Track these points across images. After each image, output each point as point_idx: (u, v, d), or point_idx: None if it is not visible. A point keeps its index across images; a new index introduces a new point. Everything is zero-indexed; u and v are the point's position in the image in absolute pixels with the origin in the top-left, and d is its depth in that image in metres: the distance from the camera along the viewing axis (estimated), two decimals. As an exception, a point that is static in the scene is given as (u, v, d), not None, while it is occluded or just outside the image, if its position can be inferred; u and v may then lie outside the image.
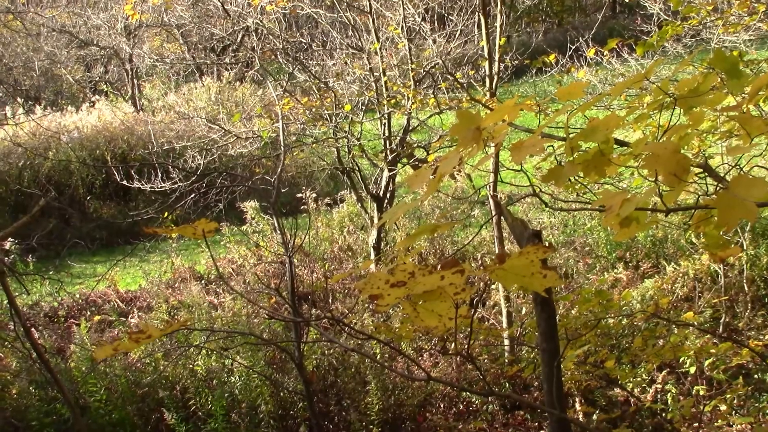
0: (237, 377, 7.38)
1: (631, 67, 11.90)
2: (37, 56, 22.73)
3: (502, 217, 7.73)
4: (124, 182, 10.57)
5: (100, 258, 13.42)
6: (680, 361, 6.78)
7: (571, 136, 2.48)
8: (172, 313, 9.42)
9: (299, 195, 12.33)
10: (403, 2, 9.39)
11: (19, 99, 20.91)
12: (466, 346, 2.47)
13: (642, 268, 9.74)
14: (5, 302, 8.42)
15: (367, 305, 8.64)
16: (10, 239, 10.19)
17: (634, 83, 2.66)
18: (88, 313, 9.97)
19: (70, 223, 14.77)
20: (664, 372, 7.02)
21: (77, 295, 10.52)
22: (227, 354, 7.48)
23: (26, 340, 5.17)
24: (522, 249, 1.96)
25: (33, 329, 8.44)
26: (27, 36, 22.19)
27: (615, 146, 2.60)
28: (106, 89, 22.69)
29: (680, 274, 8.79)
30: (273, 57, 13.43)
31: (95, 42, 22.34)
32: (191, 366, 7.70)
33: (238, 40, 20.89)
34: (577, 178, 2.74)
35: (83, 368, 7.68)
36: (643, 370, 6.84)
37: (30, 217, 5.10)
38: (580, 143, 2.47)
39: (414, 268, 1.83)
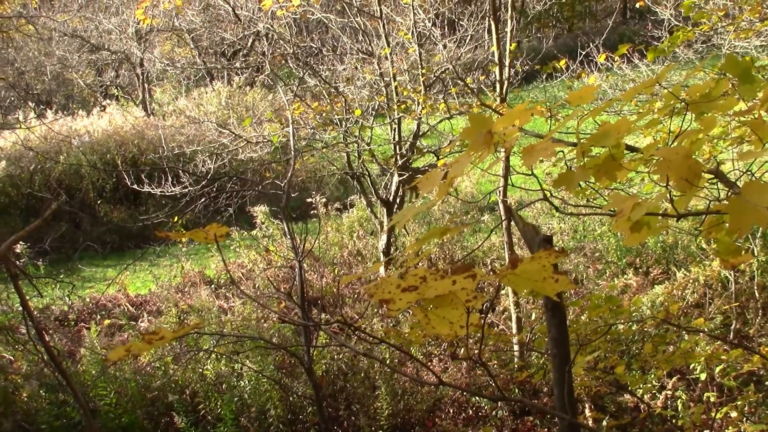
0: (246, 381, 7.39)
1: (641, 72, 11.87)
2: (49, 60, 22.85)
3: (512, 222, 7.73)
4: (135, 186, 10.60)
5: (110, 262, 13.45)
6: (691, 367, 6.75)
7: (581, 140, 2.48)
8: (181, 318, 9.44)
9: (309, 200, 12.33)
10: (413, 7, 9.40)
11: (30, 103, 21.01)
12: (476, 352, 2.47)
13: (652, 274, 9.72)
14: (17, 305, 8.45)
15: (376, 310, 8.65)
16: (21, 242, 10.22)
17: (646, 88, 2.67)
18: (98, 316, 9.99)
19: (81, 227, 14.82)
20: (674, 378, 6.99)
21: (87, 299, 10.56)
22: (237, 358, 7.49)
23: (38, 343, 5.19)
24: (533, 254, 1.96)
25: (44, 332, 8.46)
26: (39, 40, 22.30)
27: (625, 151, 2.60)
28: (116, 93, 22.77)
29: (690, 280, 8.76)
30: (283, 62, 13.44)
31: (106, 46, 22.44)
32: (201, 370, 7.72)
33: (249, 44, 20.92)
34: (588, 183, 2.74)
35: (93, 372, 7.70)
36: (653, 376, 6.82)
37: (42, 220, 5.11)
38: (591, 148, 2.47)
39: (426, 273, 1.83)
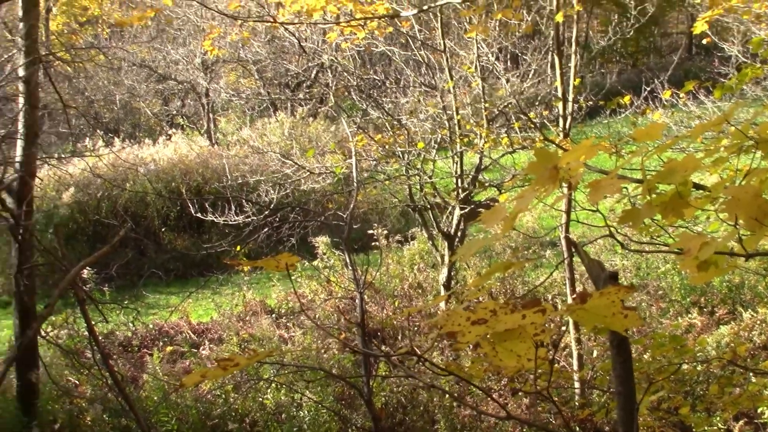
0: (306, 412, 7.41)
1: (707, 109, 11.72)
2: (118, 90, 23.36)
3: (574, 259, 7.66)
4: (199, 215, 10.75)
5: (173, 289, 13.62)
6: (758, 411, 6.60)
7: (648, 177, 2.47)
8: (242, 346, 9.51)
9: (371, 231, 12.38)
10: (477, 41, 9.45)
11: (99, 131, 21.43)
12: (538, 387, 2.46)
13: (717, 314, 9.54)
14: (83, 330, 8.61)
15: (437, 344, 8.62)
16: (88, 268, 10.41)
17: (714, 126, 2.64)
18: (161, 343, 10.12)
19: (145, 254, 15.04)
20: (741, 422, 6.84)
21: (151, 326, 10.70)
22: (297, 388, 7.52)
23: (103, 368, 5.28)
24: (600, 290, 1.96)
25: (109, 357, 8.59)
26: (109, 70, 22.82)
27: (691, 189, 2.58)
28: (182, 123, 23.14)
29: (758, 321, 8.58)
30: (347, 93, 13.58)
31: (173, 76, 22.89)
32: (261, 399, 7.76)
33: (313, 76, 21.19)
34: (653, 220, 2.72)
35: (155, 398, 7.80)
36: (719, 418, 6.67)
37: (110, 247, 5.23)
38: (656, 185, 2.46)
39: (495, 306, 1.84)
